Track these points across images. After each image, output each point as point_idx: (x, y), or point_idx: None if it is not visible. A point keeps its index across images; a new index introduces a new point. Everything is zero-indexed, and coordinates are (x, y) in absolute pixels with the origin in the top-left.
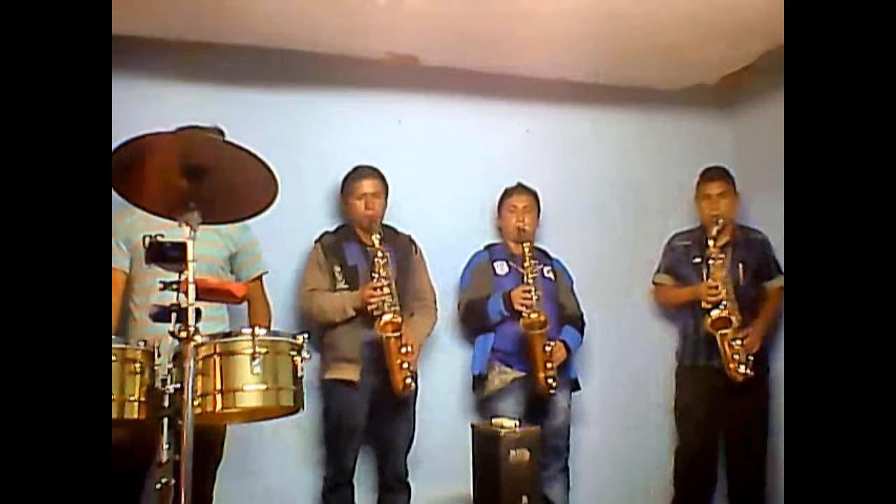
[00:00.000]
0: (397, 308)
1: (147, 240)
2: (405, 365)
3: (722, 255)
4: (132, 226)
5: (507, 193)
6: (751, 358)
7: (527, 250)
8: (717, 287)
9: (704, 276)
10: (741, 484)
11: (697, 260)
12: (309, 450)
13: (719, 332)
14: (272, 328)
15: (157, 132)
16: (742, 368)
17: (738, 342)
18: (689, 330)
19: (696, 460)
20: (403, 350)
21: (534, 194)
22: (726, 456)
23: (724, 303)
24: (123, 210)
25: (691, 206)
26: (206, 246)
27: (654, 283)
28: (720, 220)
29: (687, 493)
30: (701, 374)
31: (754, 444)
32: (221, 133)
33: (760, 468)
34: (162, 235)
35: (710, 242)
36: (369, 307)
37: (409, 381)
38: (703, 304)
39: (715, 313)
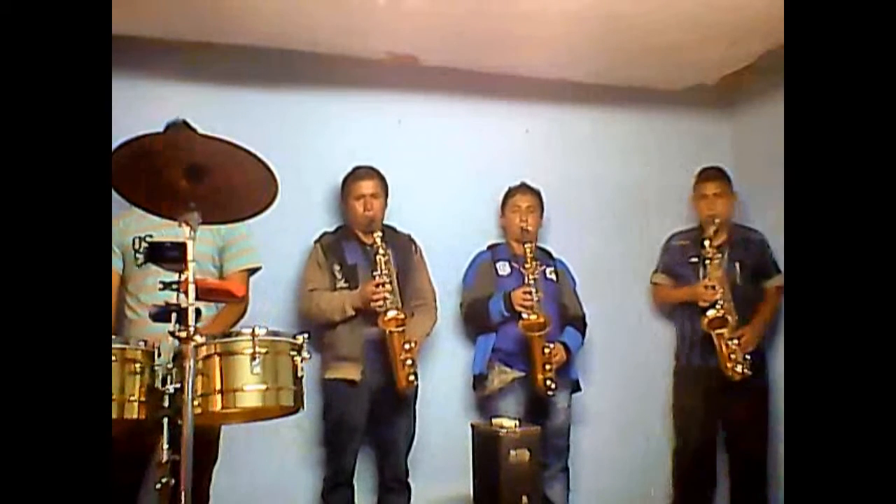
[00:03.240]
0: (399, 305)
1: (137, 241)
2: (409, 361)
3: (719, 255)
4: (125, 229)
5: (511, 193)
6: (748, 357)
7: (529, 251)
8: (713, 286)
9: (700, 276)
10: (742, 486)
11: (694, 259)
12: (309, 450)
13: (716, 331)
14: (271, 328)
15: (157, 132)
16: (739, 368)
17: (735, 342)
18: (686, 330)
19: (695, 461)
20: (407, 346)
21: (537, 194)
22: (728, 457)
23: (720, 302)
24: (120, 213)
25: (689, 206)
26: (197, 242)
27: (652, 282)
28: (717, 220)
29: (686, 495)
30: (698, 375)
31: (753, 446)
32: (191, 128)
33: (761, 470)
34: (150, 236)
35: (706, 242)
36: (372, 303)
37: (412, 377)
38: (700, 304)
39: (711, 313)
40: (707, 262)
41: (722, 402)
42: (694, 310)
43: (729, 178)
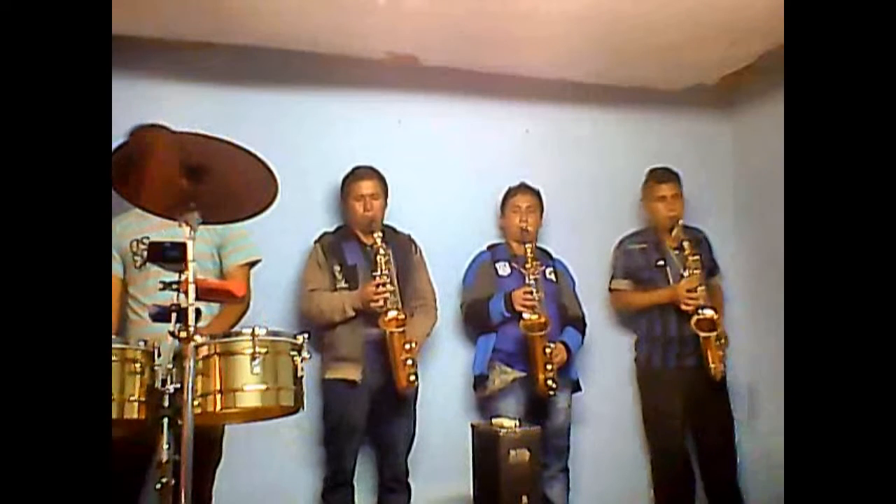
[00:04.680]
0: (399, 305)
1: (135, 243)
2: (409, 361)
3: (696, 256)
4: (123, 231)
5: (511, 193)
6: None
7: (529, 251)
8: (695, 289)
9: (671, 278)
10: (719, 479)
11: (661, 262)
12: (309, 450)
13: (704, 333)
14: (271, 328)
15: (157, 132)
16: (722, 367)
17: (720, 341)
18: (656, 332)
19: (677, 464)
20: (407, 346)
21: (537, 194)
22: (699, 455)
23: (705, 303)
24: (118, 216)
25: (640, 207)
26: (195, 241)
27: (611, 289)
28: (679, 221)
29: (670, 500)
30: (674, 377)
31: (728, 441)
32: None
33: (731, 463)
34: (148, 238)
35: (685, 244)
36: (372, 304)
37: (413, 377)
38: (682, 306)
39: (708, 313)
40: (686, 263)
41: (702, 401)
42: (666, 311)
43: (679, 177)
